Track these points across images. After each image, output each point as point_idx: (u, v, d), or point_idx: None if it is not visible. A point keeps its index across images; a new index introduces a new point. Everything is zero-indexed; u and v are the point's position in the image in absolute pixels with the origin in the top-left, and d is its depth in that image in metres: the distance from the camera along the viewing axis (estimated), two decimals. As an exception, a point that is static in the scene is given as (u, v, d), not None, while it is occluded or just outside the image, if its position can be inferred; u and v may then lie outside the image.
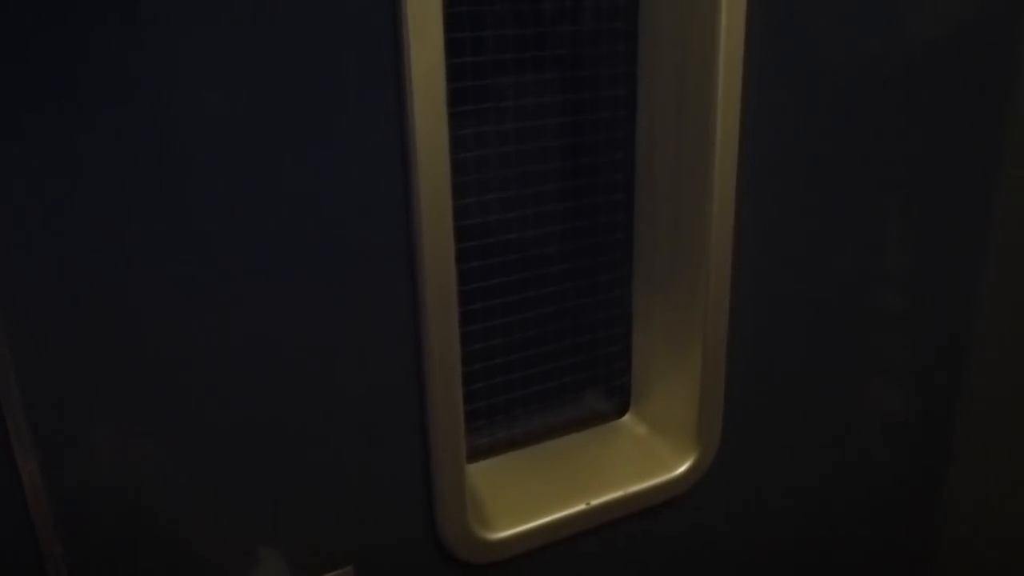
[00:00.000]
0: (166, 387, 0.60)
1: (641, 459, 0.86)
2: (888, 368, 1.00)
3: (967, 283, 0.98)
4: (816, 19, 0.77)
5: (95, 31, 0.51)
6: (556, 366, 0.87)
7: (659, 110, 0.78)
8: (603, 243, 0.85)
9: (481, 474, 0.83)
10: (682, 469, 0.84)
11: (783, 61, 0.76)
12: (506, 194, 0.78)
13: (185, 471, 0.63)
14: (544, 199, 0.81)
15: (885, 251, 0.92)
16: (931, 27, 0.84)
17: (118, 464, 0.61)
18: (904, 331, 0.98)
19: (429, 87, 0.60)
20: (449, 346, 0.68)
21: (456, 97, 0.72)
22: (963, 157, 0.91)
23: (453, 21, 0.70)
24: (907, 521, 1.11)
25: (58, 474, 0.59)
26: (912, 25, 0.83)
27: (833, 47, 0.79)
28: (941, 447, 1.08)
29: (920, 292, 0.96)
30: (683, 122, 0.76)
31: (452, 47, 0.70)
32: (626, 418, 0.91)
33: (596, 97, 0.80)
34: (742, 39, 0.71)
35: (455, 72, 0.71)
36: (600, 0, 0.77)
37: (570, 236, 0.83)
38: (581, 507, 0.79)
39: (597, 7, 0.77)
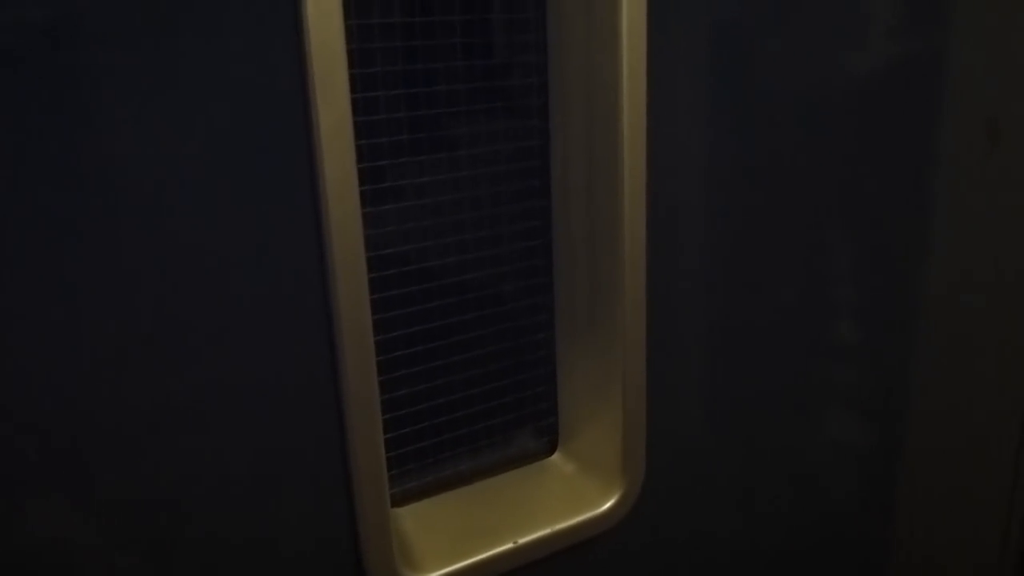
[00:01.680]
0: (84, 459, 0.61)
1: (569, 497, 0.88)
2: (824, 399, 1.03)
3: (906, 313, 1.02)
4: (730, 60, 0.81)
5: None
6: (484, 408, 0.89)
7: (571, 161, 0.82)
8: (525, 287, 0.88)
9: (410, 517, 0.84)
10: (608, 505, 0.86)
11: (697, 95, 0.80)
12: (426, 244, 0.81)
13: (106, 537, 0.64)
14: (465, 248, 0.83)
15: (815, 282, 0.96)
16: (866, 60, 0.89)
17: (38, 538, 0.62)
18: (837, 362, 1.02)
19: (337, 143, 0.63)
20: (369, 393, 0.70)
21: (371, 153, 0.74)
22: (906, 185, 0.96)
23: (366, 81, 0.73)
24: (852, 552, 1.14)
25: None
26: (846, 59, 0.88)
27: (756, 83, 0.84)
28: (884, 478, 1.11)
29: (857, 321, 1.00)
30: (593, 172, 0.80)
31: (365, 105, 0.73)
32: (555, 457, 0.93)
33: (511, 148, 0.83)
34: (644, 71, 0.75)
35: (368, 129, 0.74)
36: (513, 56, 0.81)
37: (492, 282, 0.86)
38: (508, 546, 0.81)
39: (508, 64, 0.81)
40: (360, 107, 0.72)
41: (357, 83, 0.71)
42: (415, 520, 0.84)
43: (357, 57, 0.71)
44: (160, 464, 0.64)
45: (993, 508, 1.18)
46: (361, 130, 0.72)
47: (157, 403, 0.63)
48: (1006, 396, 1.13)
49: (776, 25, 0.84)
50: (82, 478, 0.62)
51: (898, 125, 0.94)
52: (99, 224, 0.58)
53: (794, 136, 0.88)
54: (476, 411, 0.88)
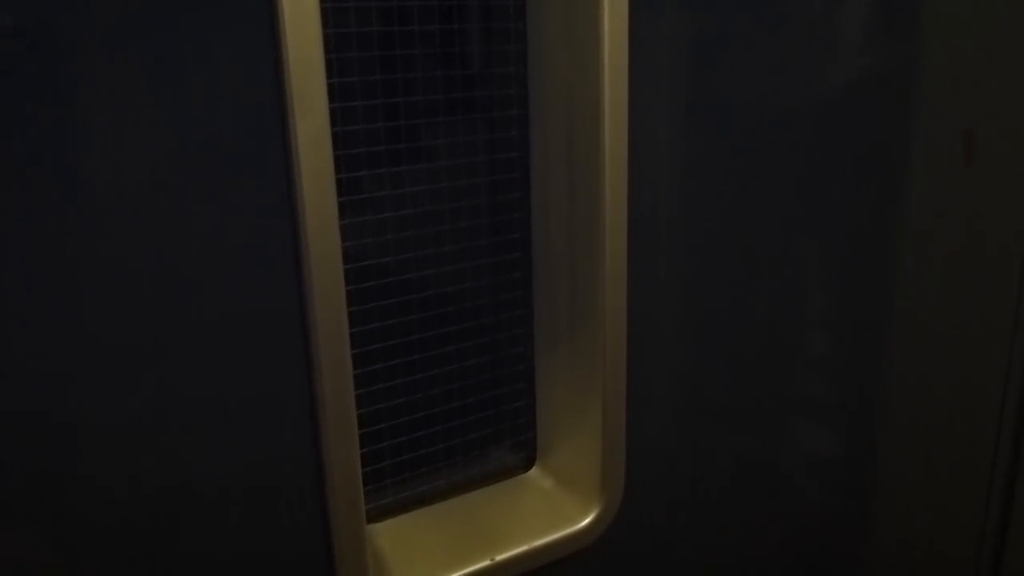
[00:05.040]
0: (48, 472, 0.60)
1: (546, 513, 0.87)
2: (803, 408, 1.03)
3: (882, 321, 1.03)
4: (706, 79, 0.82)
5: None
6: (462, 422, 0.88)
7: (551, 172, 0.81)
8: (503, 300, 0.87)
9: (386, 533, 0.83)
10: (587, 521, 0.85)
11: (678, 107, 0.80)
12: (404, 256, 0.80)
13: (73, 551, 0.62)
14: (443, 260, 0.82)
15: (797, 293, 0.96)
16: (844, 72, 0.90)
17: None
18: (816, 371, 1.02)
19: (315, 154, 0.62)
20: (345, 406, 0.68)
21: (349, 163, 0.74)
22: (882, 195, 0.96)
23: (344, 90, 0.72)
24: (833, 563, 1.14)
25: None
26: (824, 71, 0.89)
27: (736, 96, 0.84)
28: (862, 486, 1.11)
29: (837, 329, 1.00)
30: (573, 184, 0.79)
31: (343, 115, 0.72)
32: (532, 472, 0.92)
33: (492, 160, 0.82)
34: (625, 82, 0.74)
35: (345, 139, 0.73)
36: (493, 68, 0.80)
37: (471, 295, 0.85)
38: (485, 563, 0.80)
39: (490, 74, 0.80)
40: (337, 117, 0.71)
41: (335, 93, 0.70)
42: (391, 536, 0.83)
43: (335, 66, 0.71)
44: (132, 479, 0.63)
45: (968, 510, 1.19)
46: (338, 140, 0.71)
47: (130, 417, 0.62)
48: (979, 400, 1.14)
49: (754, 38, 0.84)
50: (43, 495, 0.60)
51: (874, 136, 0.94)
52: (69, 234, 0.56)
53: (775, 148, 0.88)
54: (453, 426, 0.87)
